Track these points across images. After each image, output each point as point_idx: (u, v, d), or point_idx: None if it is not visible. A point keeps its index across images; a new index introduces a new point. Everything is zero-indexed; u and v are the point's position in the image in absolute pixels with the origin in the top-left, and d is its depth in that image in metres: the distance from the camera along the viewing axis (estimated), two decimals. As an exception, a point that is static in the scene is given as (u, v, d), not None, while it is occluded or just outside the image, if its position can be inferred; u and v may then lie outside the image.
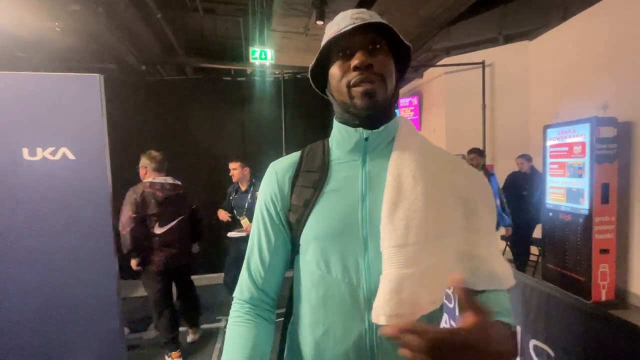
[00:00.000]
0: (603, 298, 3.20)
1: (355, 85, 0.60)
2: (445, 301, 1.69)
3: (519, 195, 3.98)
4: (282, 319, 0.74)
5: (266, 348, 0.67)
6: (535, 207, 3.90)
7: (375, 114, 0.62)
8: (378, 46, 0.61)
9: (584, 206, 3.30)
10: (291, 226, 0.67)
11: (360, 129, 0.63)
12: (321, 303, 0.62)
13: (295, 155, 0.73)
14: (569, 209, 3.47)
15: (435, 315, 0.63)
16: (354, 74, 0.60)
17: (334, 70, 0.63)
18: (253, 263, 0.70)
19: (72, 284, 1.90)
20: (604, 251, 3.21)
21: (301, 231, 0.65)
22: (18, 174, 1.82)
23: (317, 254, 0.63)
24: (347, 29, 0.59)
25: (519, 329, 1.23)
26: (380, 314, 0.54)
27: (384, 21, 0.60)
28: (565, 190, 3.53)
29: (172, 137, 4.29)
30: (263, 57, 5.13)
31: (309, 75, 0.69)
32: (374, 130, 0.63)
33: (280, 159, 0.73)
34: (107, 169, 1.95)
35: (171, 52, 5.74)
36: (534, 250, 4.14)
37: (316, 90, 0.72)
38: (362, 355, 0.60)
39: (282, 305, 0.71)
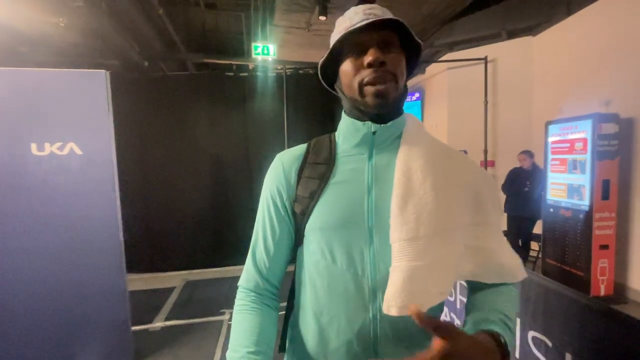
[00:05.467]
0: (602, 293, 3.23)
1: (368, 83, 0.60)
2: (446, 295, 1.71)
3: (520, 191, 4.00)
4: (284, 312, 0.76)
5: (272, 334, 0.68)
6: (536, 203, 3.92)
7: (385, 112, 0.64)
8: (391, 43, 0.61)
9: (584, 202, 3.32)
10: (296, 217, 0.68)
11: (369, 122, 0.64)
12: (326, 292, 0.63)
13: (301, 147, 0.73)
14: (570, 205, 3.48)
15: (436, 308, 0.64)
16: (368, 71, 0.60)
17: (346, 67, 0.62)
18: (258, 253, 0.71)
19: (80, 277, 1.94)
20: (604, 247, 3.23)
21: (306, 222, 0.65)
22: (27, 169, 1.85)
23: (322, 244, 0.64)
24: (361, 24, 0.58)
25: (518, 328, 1.25)
26: (392, 305, 0.56)
27: (397, 17, 0.60)
28: (566, 187, 3.55)
29: (174, 132, 4.31)
30: (265, 52, 5.13)
31: (318, 71, 0.68)
32: (382, 125, 0.64)
33: (287, 150, 0.73)
34: (114, 164, 1.98)
35: (173, 47, 5.74)
36: (534, 245, 4.16)
37: (324, 85, 0.72)
38: (366, 343, 0.61)
39: (283, 298, 0.73)
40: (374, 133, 0.65)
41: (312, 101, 4.46)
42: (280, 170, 0.70)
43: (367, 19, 0.59)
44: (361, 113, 0.65)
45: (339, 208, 0.63)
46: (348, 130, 0.68)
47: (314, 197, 0.65)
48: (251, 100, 4.47)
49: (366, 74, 0.60)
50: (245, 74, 4.78)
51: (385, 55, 0.60)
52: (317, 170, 0.67)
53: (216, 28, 6.21)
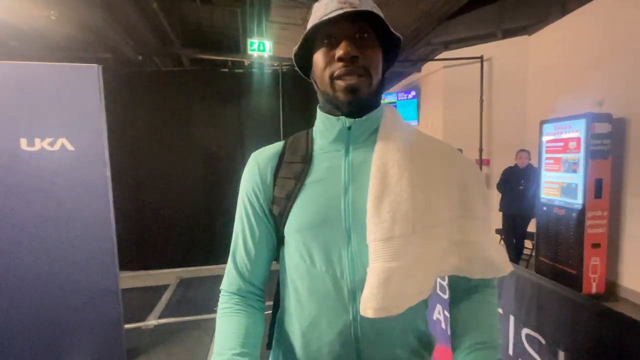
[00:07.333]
0: (594, 291, 3.27)
1: (338, 77, 0.57)
2: (439, 292, 1.72)
3: (514, 190, 4.03)
4: (271, 311, 0.74)
5: (258, 335, 0.66)
6: (530, 202, 3.96)
7: (358, 107, 0.61)
8: (365, 35, 0.58)
9: (577, 201, 3.35)
10: (275, 218, 0.66)
11: (343, 117, 0.61)
12: (307, 294, 0.62)
13: (278, 145, 0.71)
14: (563, 204, 3.52)
15: (419, 306, 0.62)
16: (338, 65, 0.57)
17: (318, 58, 0.60)
18: (238, 255, 0.68)
19: (72, 275, 1.92)
20: (596, 245, 3.27)
21: (284, 223, 0.63)
22: (16, 165, 1.81)
23: (300, 246, 0.62)
24: (333, 15, 0.54)
25: (512, 325, 1.26)
26: (368, 307, 0.54)
27: (374, 9, 0.57)
28: (559, 185, 3.58)
29: (168, 129, 4.27)
30: (261, 48, 5.08)
31: (292, 59, 0.66)
32: (356, 119, 0.61)
33: (263, 148, 0.71)
34: (106, 160, 1.95)
35: (167, 42, 5.66)
36: (528, 243, 4.21)
37: (301, 74, 0.69)
38: (347, 345, 0.60)
39: (270, 297, 0.71)
40: (349, 128, 0.62)
41: (308, 98, 4.43)
42: (255, 171, 0.68)
43: (341, 8, 0.55)
44: (335, 107, 0.63)
45: (315, 209, 0.61)
46: (324, 126, 0.65)
47: (290, 198, 0.63)
48: (246, 97, 4.44)
49: (337, 68, 0.57)
50: (241, 70, 4.75)
51: (358, 48, 0.56)
52: (293, 170, 0.65)
53: (211, 23, 6.13)
